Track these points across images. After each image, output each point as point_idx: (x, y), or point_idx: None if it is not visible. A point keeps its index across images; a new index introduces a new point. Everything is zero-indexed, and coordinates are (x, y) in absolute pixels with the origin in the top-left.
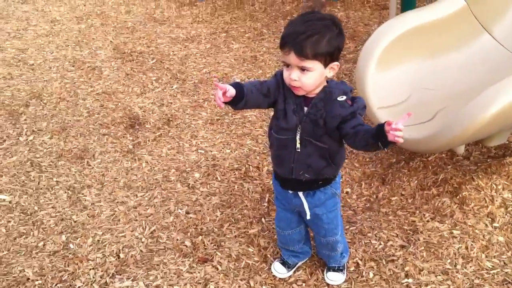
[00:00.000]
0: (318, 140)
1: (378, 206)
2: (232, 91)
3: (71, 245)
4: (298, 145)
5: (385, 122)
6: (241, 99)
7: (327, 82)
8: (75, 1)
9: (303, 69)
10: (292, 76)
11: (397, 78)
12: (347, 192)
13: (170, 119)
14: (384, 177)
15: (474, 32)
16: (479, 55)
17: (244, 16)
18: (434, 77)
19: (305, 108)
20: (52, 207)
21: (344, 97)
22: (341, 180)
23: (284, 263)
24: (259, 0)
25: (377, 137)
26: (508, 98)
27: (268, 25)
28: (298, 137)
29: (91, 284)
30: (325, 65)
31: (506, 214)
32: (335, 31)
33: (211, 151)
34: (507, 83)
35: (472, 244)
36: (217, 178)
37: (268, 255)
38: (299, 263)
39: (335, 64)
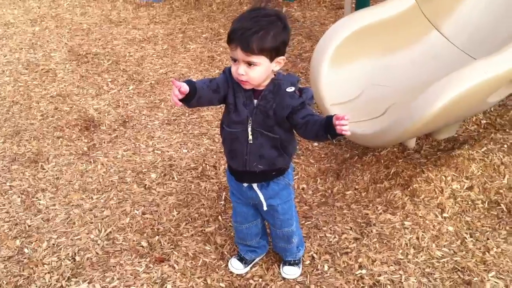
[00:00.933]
0: (269, 131)
1: (333, 200)
2: (185, 87)
3: (25, 250)
4: (250, 137)
5: (333, 115)
6: (193, 95)
7: (274, 74)
8: (29, 4)
9: (249, 64)
10: (239, 71)
11: (350, 75)
12: (303, 188)
13: (126, 120)
14: (338, 172)
15: (423, 30)
16: (429, 52)
17: (201, 17)
18: (386, 73)
19: (255, 101)
20: (6, 212)
21: (293, 88)
22: (297, 177)
23: (241, 259)
24: (216, 1)
25: (326, 129)
26: (454, 92)
27: (226, 25)
28: (249, 129)
29: None
30: (271, 60)
31: (455, 205)
32: (280, 26)
33: (168, 151)
34: (453, 77)
35: (423, 235)
36: (173, 178)
37: (225, 252)
38: (257, 259)
39: (281, 58)
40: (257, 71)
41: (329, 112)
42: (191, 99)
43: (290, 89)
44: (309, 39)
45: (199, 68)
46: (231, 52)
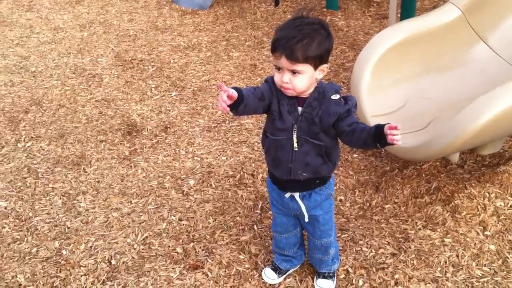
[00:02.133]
0: (314, 138)
1: (371, 214)
2: (234, 94)
3: (63, 251)
4: (295, 144)
5: (383, 125)
6: (241, 102)
7: (317, 83)
8: (78, 10)
9: (294, 72)
10: (284, 79)
11: (392, 86)
12: (340, 200)
13: (168, 126)
14: (378, 185)
15: (470, 42)
16: (475, 65)
17: (245, 25)
18: (430, 86)
19: (299, 108)
20: (47, 213)
21: (338, 96)
22: (335, 188)
23: (275, 269)
24: (260, 9)
25: (376, 138)
26: (500, 106)
27: (269, 33)
28: (295, 136)
29: None
30: (315, 68)
31: (498, 223)
32: (324, 34)
33: (207, 158)
34: (498, 92)
35: (463, 253)
36: (211, 185)
37: (259, 262)
38: (291, 270)
39: (324, 66)
40: (302, 79)
41: (370, 123)
42: (239, 105)
43: (335, 97)
44: (352, 49)
45: (241, 76)
46: (274, 61)
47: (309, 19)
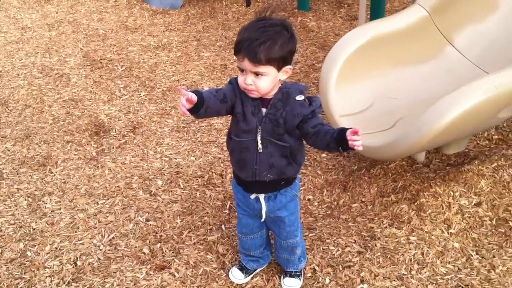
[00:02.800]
0: (278, 139)
1: (338, 213)
2: (194, 97)
3: (28, 253)
4: (259, 146)
5: (347, 129)
6: (201, 105)
7: (281, 83)
8: (47, 9)
9: (257, 74)
10: (247, 81)
11: (360, 86)
12: (308, 199)
13: (136, 126)
14: (345, 184)
15: (436, 42)
16: (442, 65)
17: (216, 25)
18: (397, 85)
19: (263, 110)
20: (11, 215)
21: (302, 97)
22: (304, 188)
23: (242, 269)
24: (232, 9)
25: (338, 142)
26: (464, 106)
27: None
28: (259, 138)
29: None
30: (279, 69)
31: (462, 221)
32: (287, 36)
33: (176, 159)
34: (462, 91)
35: (428, 250)
36: (179, 185)
37: (227, 262)
38: (258, 269)
39: (288, 67)
40: (265, 81)
41: (338, 123)
42: (199, 109)
43: (300, 98)
44: (323, 50)
45: (211, 76)
46: (238, 63)
47: (272, 20)
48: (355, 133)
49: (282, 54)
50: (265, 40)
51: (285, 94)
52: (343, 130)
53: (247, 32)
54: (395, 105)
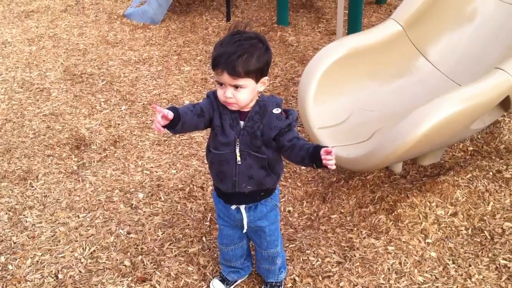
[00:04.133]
0: (256, 151)
1: (318, 224)
2: (170, 114)
3: (9, 266)
4: (238, 158)
5: (321, 146)
6: (178, 121)
7: (258, 96)
8: (28, 24)
9: (236, 86)
10: (227, 94)
11: (338, 99)
12: (289, 211)
13: (117, 140)
14: (324, 195)
15: (410, 56)
16: (415, 78)
17: (197, 40)
18: (373, 98)
19: (241, 122)
20: None
21: (279, 110)
22: (283, 199)
23: (223, 280)
24: (212, 24)
25: (312, 159)
26: (437, 117)
27: None
28: (237, 150)
29: None
30: (257, 81)
31: (438, 231)
32: (262, 48)
33: (157, 172)
34: (436, 103)
35: (405, 260)
36: (160, 198)
37: (208, 273)
38: (238, 280)
39: (265, 79)
40: (244, 93)
41: (316, 136)
42: (176, 125)
43: (277, 111)
44: (302, 64)
45: (192, 90)
46: (216, 77)
47: (247, 33)
48: (329, 153)
49: (259, 66)
50: (242, 53)
51: (262, 107)
52: (317, 148)
53: (224, 46)
54: (371, 117)
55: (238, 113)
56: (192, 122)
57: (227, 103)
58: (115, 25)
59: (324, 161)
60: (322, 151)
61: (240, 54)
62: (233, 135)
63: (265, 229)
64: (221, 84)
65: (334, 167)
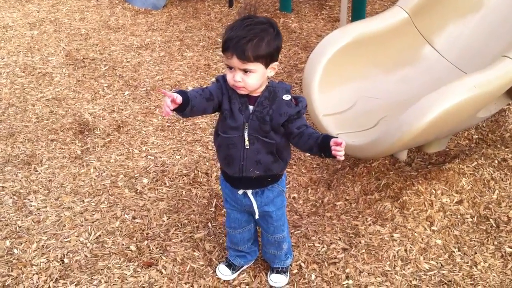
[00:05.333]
0: (265, 136)
1: (323, 210)
2: (179, 98)
3: (15, 250)
4: (246, 142)
5: (331, 137)
6: (187, 105)
7: (268, 81)
8: (28, 8)
9: (246, 71)
10: (236, 78)
11: (343, 87)
12: (294, 198)
13: (121, 125)
14: (329, 182)
15: (416, 44)
16: (422, 66)
17: (199, 25)
18: (378, 86)
19: (251, 107)
20: None
21: (289, 96)
22: (289, 186)
23: (229, 265)
24: (214, 10)
25: (321, 149)
26: (443, 106)
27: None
28: (246, 134)
29: None
30: (266, 66)
31: (444, 218)
32: (273, 33)
33: (161, 157)
34: (442, 91)
35: (411, 247)
36: (165, 183)
37: (214, 259)
38: (245, 266)
39: (275, 64)
40: (254, 78)
41: (321, 123)
42: (185, 108)
43: (287, 97)
44: (305, 50)
45: (195, 76)
46: (226, 60)
47: (258, 18)
48: (338, 144)
49: (269, 51)
50: (252, 38)
51: (272, 93)
52: (327, 137)
53: (234, 30)
54: (377, 105)
55: (248, 98)
56: (201, 105)
57: (236, 87)
58: (117, 10)
59: (333, 152)
60: (332, 142)
61: (250, 38)
62: (242, 119)
63: (272, 214)
64: (230, 68)
65: (343, 158)
